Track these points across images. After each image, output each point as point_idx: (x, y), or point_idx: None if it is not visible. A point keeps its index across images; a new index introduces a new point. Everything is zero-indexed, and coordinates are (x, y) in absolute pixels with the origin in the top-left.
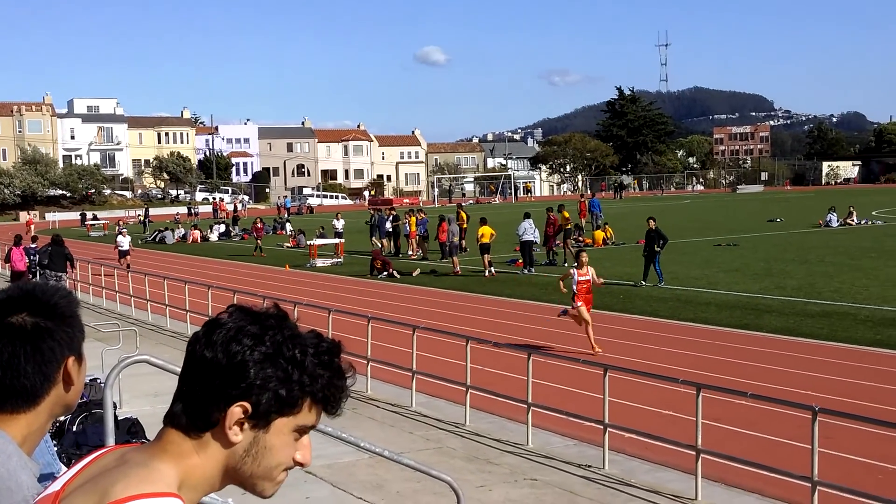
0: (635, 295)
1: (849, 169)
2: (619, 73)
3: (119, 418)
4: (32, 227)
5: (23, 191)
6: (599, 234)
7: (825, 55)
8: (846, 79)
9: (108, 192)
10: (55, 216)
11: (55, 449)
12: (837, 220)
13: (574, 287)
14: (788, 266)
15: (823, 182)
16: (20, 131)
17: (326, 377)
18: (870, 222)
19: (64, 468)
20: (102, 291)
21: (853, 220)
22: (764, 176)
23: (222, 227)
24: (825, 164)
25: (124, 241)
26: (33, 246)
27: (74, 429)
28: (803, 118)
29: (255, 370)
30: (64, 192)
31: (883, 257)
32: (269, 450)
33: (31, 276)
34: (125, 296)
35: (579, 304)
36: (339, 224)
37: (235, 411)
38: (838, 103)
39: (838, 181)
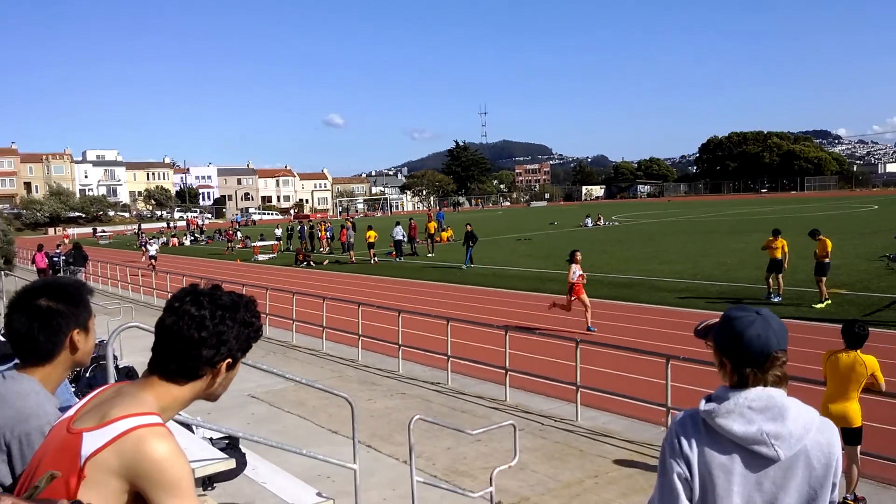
0: (468, 272)
1: (597, 190)
2: (456, 130)
3: (119, 367)
4: (66, 239)
5: (50, 214)
6: (445, 235)
7: (584, 116)
8: (596, 132)
9: (111, 213)
10: (74, 230)
11: (73, 389)
12: (592, 223)
13: (574, 279)
14: (562, 252)
15: (583, 199)
16: (48, 173)
17: (258, 325)
18: (611, 224)
19: (77, 401)
20: (108, 281)
21: (601, 223)
22: (547, 196)
23: (192, 237)
24: (584, 188)
25: (151, 249)
26: (58, 251)
27: (87, 375)
28: (570, 159)
29: (233, 339)
30: (80, 214)
31: (618, 245)
32: (231, 378)
33: (51, 271)
34: (124, 283)
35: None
36: (278, 231)
37: (222, 367)
38: (591, 148)
39: (591, 198)
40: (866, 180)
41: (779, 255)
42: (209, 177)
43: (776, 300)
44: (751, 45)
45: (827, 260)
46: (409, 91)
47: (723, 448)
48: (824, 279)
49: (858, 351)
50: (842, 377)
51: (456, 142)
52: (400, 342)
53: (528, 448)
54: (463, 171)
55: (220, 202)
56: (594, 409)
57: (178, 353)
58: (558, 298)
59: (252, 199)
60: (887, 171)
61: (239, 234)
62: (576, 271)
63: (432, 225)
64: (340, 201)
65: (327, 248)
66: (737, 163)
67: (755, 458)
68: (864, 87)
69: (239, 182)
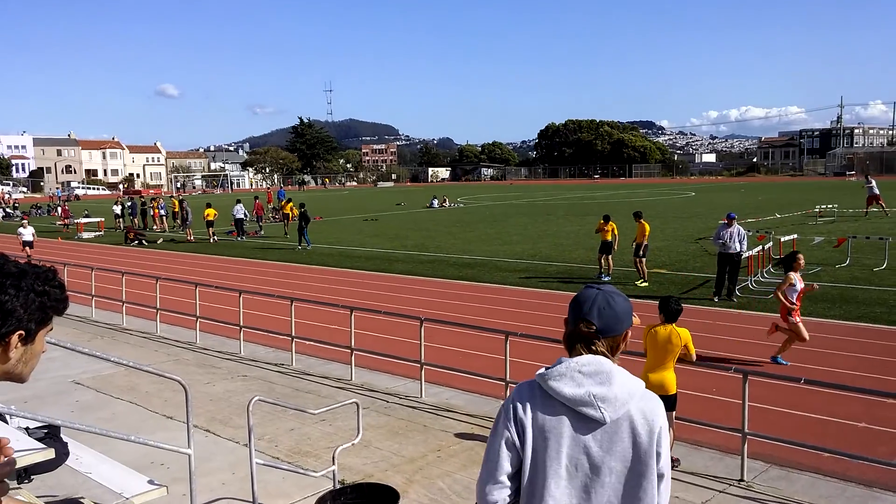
0: (313, 252)
1: (443, 172)
2: (300, 106)
3: None
4: None
5: None
6: (289, 207)
7: (430, 98)
8: (442, 114)
9: None
10: None
11: None
12: (438, 204)
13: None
14: (409, 232)
15: (429, 180)
16: None
17: (59, 295)
18: (456, 205)
19: None
20: None
21: (446, 204)
22: (394, 176)
23: (2, 213)
24: (430, 169)
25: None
26: None
27: None
28: (417, 140)
29: (20, 308)
30: None
31: (463, 226)
32: (34, 354)
33: None
34: None
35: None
36: (117, 208)
37: (13, 339)
38: (437, 130)
39: (437, 180)
40: (685, 169)
41: (609, 237)
42: (23, 146)
43: (606, 279)
44: (585, 37)
45: (645, 242)
46: (251, 64)
47: (554, 411)
48: (644, 259)
49: (674, 325)
50: (659, 349)
51: (301, 118)
52: (241, 323)
53: (372, 426)
54: (308, 149)
55: (37, 175)
56: (438, 385)
57: None
58: (782, 321)
59: (74, 173)
60: (703, 160)
61: (59, 209)
62: (795, 282)
63: (269, 202)
64: (176, 177)
65: (162, 227)
66: (572, 149)
67: (583, 420)
68: (685, 82)
69: (59, 153)
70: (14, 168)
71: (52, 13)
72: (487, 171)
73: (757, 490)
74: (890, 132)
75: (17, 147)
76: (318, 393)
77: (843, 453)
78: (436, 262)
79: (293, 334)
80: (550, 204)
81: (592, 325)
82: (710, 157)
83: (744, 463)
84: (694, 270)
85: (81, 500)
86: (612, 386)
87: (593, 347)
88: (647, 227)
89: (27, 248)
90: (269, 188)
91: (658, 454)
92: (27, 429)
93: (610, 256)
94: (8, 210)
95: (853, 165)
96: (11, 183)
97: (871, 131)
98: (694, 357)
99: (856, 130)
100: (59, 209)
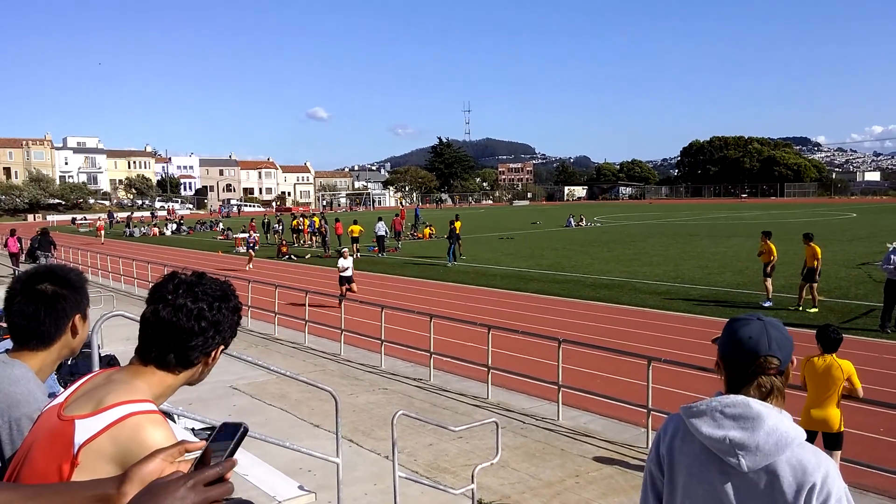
0: (450, 269)
1: (580, 191)
2: (439, 127)
3: (101, 355)
4: (102, 232)
5: (29, 200)
6: (427, 231)
7: (567, 116)
8: (579, 132)
9: (92, 201)
10: (54, 217)
11: (55, 376)
12: (574, 223)
13: None
14: (544, 251)
15: (565, 199)
16: (28, 159)
17: (240, 314)
18: (593, 224)
19: (62, 389)
20: (88, 269)
21: (583, 223)
22: (529, 195)
23: (174, 226)
24: (566, 188)
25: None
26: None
27: (69, 363)
28: (553, 159)
29: (227, 327)
30: (60, 201)
31: (600, 246)
32: (216, 363)
33: (22, 256)
34: (105, 272)
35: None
36: (278, 226)
37: (217, 353)
38: (574, 149)
39: (574, 199)
40: (845, 188)
41: (768, 258)
42: (191, 167)
43: (767, 304)
44: (733, 50)
45: (818, 266)
46: (393, 87)
47: (694, 449)
48: (816, 285)
49: (834, 355)
50: (819, 382)
51: (439, 138)
52: (382, 337)
53: (509, 446)
54: (446, 167)
55: (202, 193)
56: (575, 408)
57: (177, 343)
58: None
59: (234, 191)
60: (865, 179)
61: (221, 225)
62: None
63: (402, 218)
64: (323, 195)
65: (310, 243)
66: (718, 167)
67: (722, 465)
68: (844, 95)
69: (221, 173)
70: (182, 186)
71: (215, 44)
72: (626, 190)
73: None
74: None
75: (185, 167)
76: (456, 410)
77: None
78: (572, 283)
79: (431, 350)
80: (693, 224)
81: (776, 360)
82: (874, 176)
83: None
84: (856, 298)
85: (247, 501)
86: (757, 433)
87: (768, 385)
88: (819, 250)
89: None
90: (401, 207)
91: None
92: (193, 429)
93: (769, 280)
94: (178, 223)
95: None
96: (180, 200)
97: None
98: (860, 392)
99: None
100: (248, 228)
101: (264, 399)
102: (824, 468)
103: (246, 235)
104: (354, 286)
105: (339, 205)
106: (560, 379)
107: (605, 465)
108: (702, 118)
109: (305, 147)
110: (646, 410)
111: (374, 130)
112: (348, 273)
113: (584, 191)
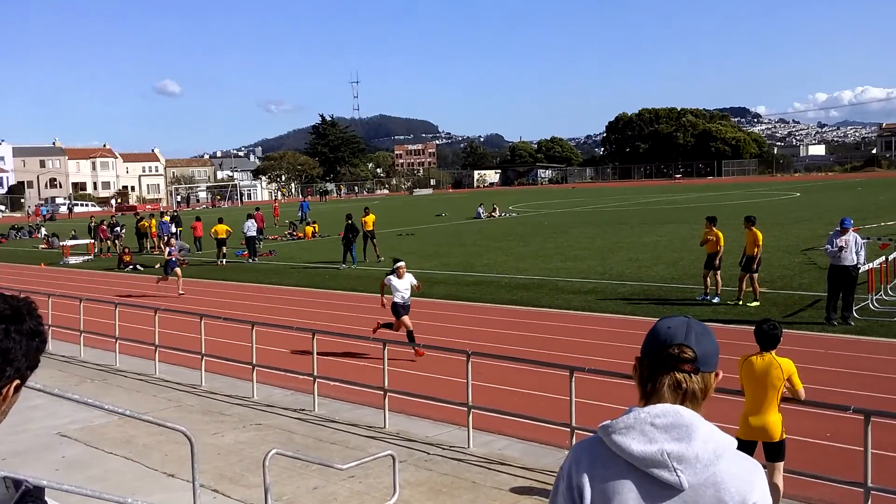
0: (338, 274)
1: (492, 176)
2: (321, 103)
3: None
4: None
5: None
6: (309, 229)
7: (475, 89)
8: (489, 107)
9: None
10: None
11: None
12: (485, 214)
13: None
14: (451, 248)
15: (475, 186)
16: None
17: (44, 335)
18: (507, 215)
19: None
20: None
21: (496, 214)
22: (433, 182)
23: None
24: (476, 173)
25: None
26: None
27: None
28: (460, 138)
29: (21, 356)
30: None
31: (516, 240)
32: (15, 401)
33: None
34: None
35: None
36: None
37: (9, 391)
38: (484, 126)
39: (485, 185)
40: (788, 164)
41: (716, 248)
42: (1, 157)
43: (716, 301)
44: (663, 13)
45: (759, 254)
46: (263, 54)
47: (619, 473)
48: (756, 276)
49: (773, 353)
50: (758, 384)
51: (322, 116)
52: (254, 362)
53: (411, 483)
54: (331, 151)
55: (17, 190)
56: (488, 433)
57: None
58: None
59: (60, 187)
60: (809, 153)
61: (43, 230)
62: None
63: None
64: (177, 189)
65: (160, 249)
66: (648, 143)
67: (656, 486)
68: (785, 60)
69: (42, 165)
70: None
71: (32, 6)
72: (545, 173)
73: None
74: None
75: None
76: (346, 444)
77: None
78: (484, 284)
79: (315, 374)
80: (622, 211)
81: (690, 350)
82: (819, 150)
83: None
84: (800, 288)
85: None
86: (693, 442)
87: (685, 384)
88: (761, 236)
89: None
90: (275, 201)
91: None
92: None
93: (717, 273)
94: None
95: None
96: None
97: None
98: (802, 394)
99: None
100: (97, 230)
101: (103, 447)
102: (760, 478)
103: (171, 248)
104: (408, 321)
105: (197, 200)
106: (470, 399)
107: (523, 497)
108: (629, 90)
109: (153, 130)
110: (569, 430)
111: (240, 107)
112: (404, 298)
113: (497, 175)
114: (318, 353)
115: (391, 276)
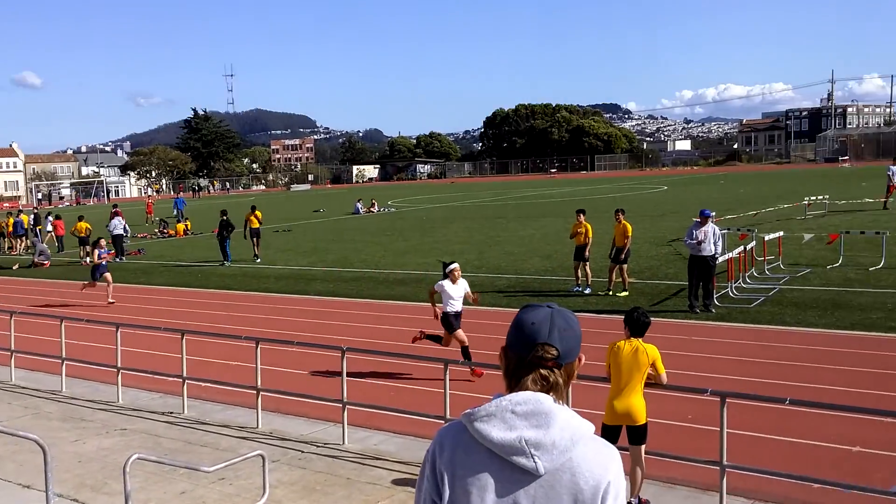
0: (211, 273)
1: (371, 171)
2: (194, 96)
3: None
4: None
5: None
6: (181, 227)
7: (353, 83)
8: (368, 102)
9: None
10: None
11: None
12: (364, 209)
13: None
14: (329, 244)
15: (354, 181)
16: None
17: None
18: (386, 210)
19: None
20: None
21: (374, 209)
22: (311, 177)
23: None
24: (354, 168)
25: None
26: None
27: None
28: (338, 133)
29: None
30: None
31: (394, 235)
32: None
33: None
34: None
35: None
36: None
37: None
38: (363, 121)
39: (364, 180)
40: (656, 159)
41: (584, 240)
42: None
43: (587, 292)
44: (539, 12)
45: (628, 245)
46: (131, 45)
47: (479, 459)
48: (626, 266)
49: (640, 339)
50: (624, 368)
51: (195, 110)
52: (119, 364)
53: (284, 482)
54: (204, 146)
55: None
56: (364, 429)
57: None
58: None
59: None
60: (676, 148)
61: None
62: None
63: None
64: (38, 185)
65: (18, 250)
66: (524, 139)
67: (514, 472)
68: (653, 58)
69: None
70: None
71: None
72: (424, 168)
73: None
74: (887, 110)
75: None
76: (217, 446)
77: (836, 483)
78: (362, 280)
79: (185, 375)
80: (500, 205)
81: (554, 350)
82: (685, 145)
83: (723, 501)
84: (666, 278)
85: None
86: (551, 429)
87: (550, 379)
88: (630, 228)
89: None
90: (147, 197)
91: None
92: None
93: (587, 264)
94: None
95: (846, 149)
96: None
97: (865, 109)
98: (664, 379)
99: (849, 109)
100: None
101: None
102: (616, 461)
103: (101, 250)
104: (462, 335)
105: (60, 197)
106: (344, 395)
107: (398, 490)
108: (506, 86)
109: (11, 124)
110: (444, 422)
111: (107, 100)
112: (457, 307)
113: (376, 171)
114: (187, 355)
115: (444, 282)
